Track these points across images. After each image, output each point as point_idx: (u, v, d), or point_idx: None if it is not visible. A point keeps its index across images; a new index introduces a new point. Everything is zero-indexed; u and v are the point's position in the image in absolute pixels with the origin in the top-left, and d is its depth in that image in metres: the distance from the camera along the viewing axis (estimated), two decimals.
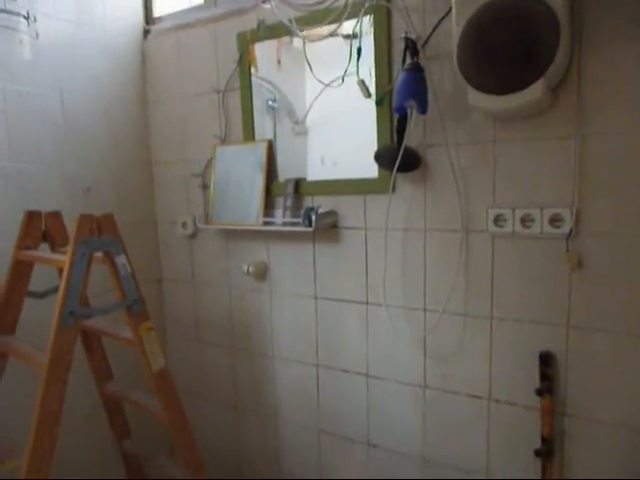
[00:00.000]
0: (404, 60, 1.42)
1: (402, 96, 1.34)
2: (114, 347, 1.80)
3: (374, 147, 1.60)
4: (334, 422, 1.87)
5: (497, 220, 1.44)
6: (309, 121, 2.15)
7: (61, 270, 1.36)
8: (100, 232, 1.37)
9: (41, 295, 1.59)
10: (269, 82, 2.08)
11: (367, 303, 1.72)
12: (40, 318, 1.44)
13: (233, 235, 2.01)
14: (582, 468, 1.40)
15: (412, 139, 1.51)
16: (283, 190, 1.80)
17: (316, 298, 1.83)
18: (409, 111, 1.38)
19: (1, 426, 1.57)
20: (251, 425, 2.11)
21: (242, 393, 2.12)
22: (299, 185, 1.79)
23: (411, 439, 1.69)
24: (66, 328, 1.28)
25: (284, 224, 1.76)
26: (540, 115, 1.34)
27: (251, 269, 1.88)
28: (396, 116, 1.48)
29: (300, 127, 2.19)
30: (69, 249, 1.30)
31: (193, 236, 2.13)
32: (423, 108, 1.37)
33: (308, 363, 1.89)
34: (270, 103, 2.09)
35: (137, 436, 1.91)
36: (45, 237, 1.58)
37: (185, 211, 2.13)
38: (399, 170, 1.48)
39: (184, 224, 2.12)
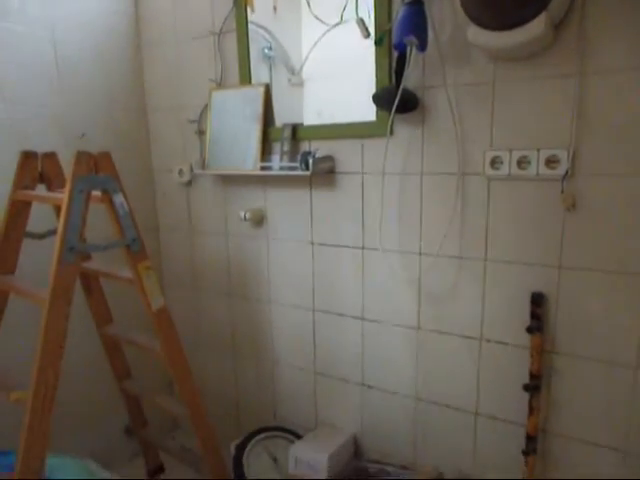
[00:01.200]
0: None
1: (402, 31, 1.32)
2: (113, 295, 1.84)
3: (372, 95, 1.58)
4: (330, 365, 1.92)
5: (494, 163, 1.45)
6: (306, 73, 2.12)
7: (59, 210, 1.37)
8: (97, 170, 1.37)
9: (40, 236, 1.60)
10: (265, 29, 2.04)
11: (363, 248, 1.74)
12: (39, 262, 1.46)
13: (230, 182, 2.01)
14: (567, 402, 1.46)
15: (411, 80, 1.50)
16: (280, 135, 1.79)
17: (313, 244, 1.85)
18: (408, 49, 1.36)
19: (6, 361, 1.61)
20: (248, 369, 2.17)
21: (239, 339, 2.17)
22: (296, 130, 1.78)
23: (405, 379, 1.75)
24: (66, 264, 1.30)
25: (281, 169, 1.76)
26: (541, 54, 1.32)
27: (248, 215, 1.89)
28: (395, 55, 1.46)
29: (296, 78, 2.16)
30: (67, 185, 1.30)
31: (190, 183, 2.13)
32: (423, 45, 1.35)
33: (305, 308, 1.93)
34: (266, 51, 2.05)
35: (137, 377, 1.97)
36: (42, 179, 1.58)
37: (181, 158, 2.12)
38: (397, 111, 1.47)
39: (180, 171, 2.12)
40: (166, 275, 2.32)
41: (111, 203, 1.39)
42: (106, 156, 1.38)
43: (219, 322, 2.21)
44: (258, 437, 2.01)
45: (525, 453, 1.49)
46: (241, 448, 1.95)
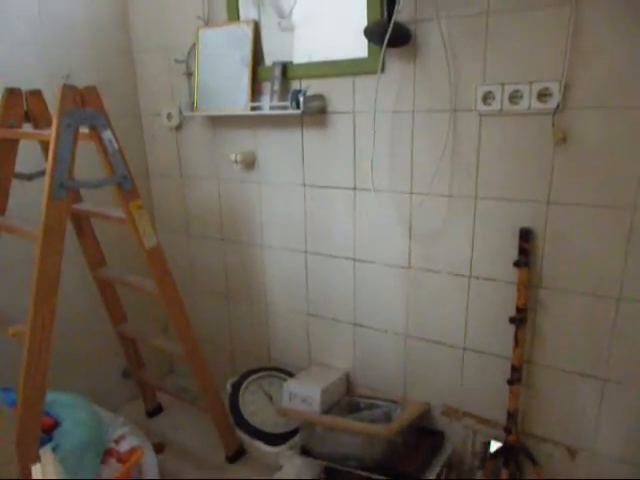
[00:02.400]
0: None
1: None
2: (105, 243, 1.84)
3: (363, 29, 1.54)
4: (322, 306, 1.96)
5: (486, 98, 1.44)
6: (296, 16, 2.05)
7: (47, 148, 1.35)
8: (84, 105, 1.34)
9: (29, 177, 1.59)
10: None
11: (355, 189, 1.74)
12: (28, 206, 1.45)
13: (220, 124, 1.98)
14: (551, 333, 1.51)
15: (403, 14, 1.47)
16: (270, 74, 1.76)
17: (304, 186, 1.85)
18: None
19: (3, 300, 1.64)
20: (242, 313, 2.21)
21: (233, 283, 2.19)
22: (286, 69, 1.75)
23: (395, 318, 1.79)
24: (57, 200, 1.29)
25: (271, 108, 1.74)
26: None
27: (239, 158, 1.87)
28: None
29: (286, 22, 2.09)
30: (54, 120, 1.29)
31: (179, 127, 2.10)
32: None
33: (297, 250, 1.95)
34: None
35: (133, 323, 2.01)
36: (27, 118, 1.56)
37: (169, 101, 2.08)
38: (389, 45, 1.45)
39: (169, 115, 2.08)
40: (158, 221, 2.32)
41: (100, 140, 1.38)
42: (93, 91, 1.35)
43: (212, 267, 2.23)
44: (253, 376, 2.07)
45: (510, 382, 1.55)
46: (237, 386, 2.02)
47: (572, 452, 1.56)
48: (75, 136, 1.32)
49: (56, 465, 1.12)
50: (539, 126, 1.38)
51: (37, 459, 1.11)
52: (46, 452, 1.13)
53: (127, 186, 1.44)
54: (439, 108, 1.52)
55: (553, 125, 1.35)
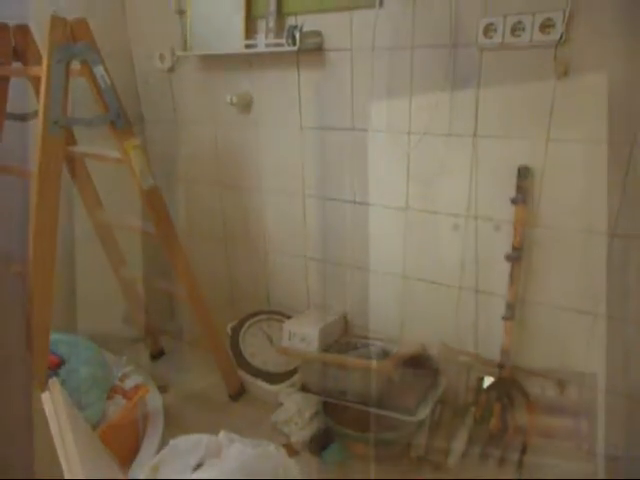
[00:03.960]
0: None
1: None
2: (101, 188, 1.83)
3: None
4: (320, 249, 1.98)
5: (487, 31, 1.40)
6: None
7: (39, 85, 1.32)
8: (75, 39, 1.30)
9: (22, 117, 1.56)
10: None
11: (353, 129, 1.72)
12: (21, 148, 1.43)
13: (215, 65, 1.94)
14: (545, 271, 1.54)
15: None
16: (265, 10, 1.70)
17: (302, 128, 1.83)
18: None
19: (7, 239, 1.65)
20: (241, 257, 2.23)
21: (231, 228, 2.20)
22: (282, 3, 1.69)
23: (392, 259, 1.81)
24: (52, 136, 1.28)
25: (267, 46, 1.69)
26: None
27: (234, 99, 1.84)
28: None
29: None
30: (45, 55, 1.25)
31: (172, 70, 2.05)
32: None
33: (295, 193, 1.94)
34: None
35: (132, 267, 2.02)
36: (16, 56, 1.51)
37: (162, 42, 2.01)
38: None
39: (161, 56, 2.03)
40: (154, 168, 2.28)
41: (92, 75, 1.35)
42: (83, 23, 1.31)
43: (210, 212, 2.22)
44: (253, 319, 2.11)
45: (504, 319, 1.58)
46: (237, 329, 2.06)
47: (562, 385, 1.62)
48: (66, 72, 1.29)
49: (65, 394, 1.16)
50: (541, 60, 1.36)
51: (46, 389, 1.14)
52: (54, 382, 1.16)
53: (121, 124, 1.42)
54: (439, 43, 1.48)
55: (555, 58, 1.33)
